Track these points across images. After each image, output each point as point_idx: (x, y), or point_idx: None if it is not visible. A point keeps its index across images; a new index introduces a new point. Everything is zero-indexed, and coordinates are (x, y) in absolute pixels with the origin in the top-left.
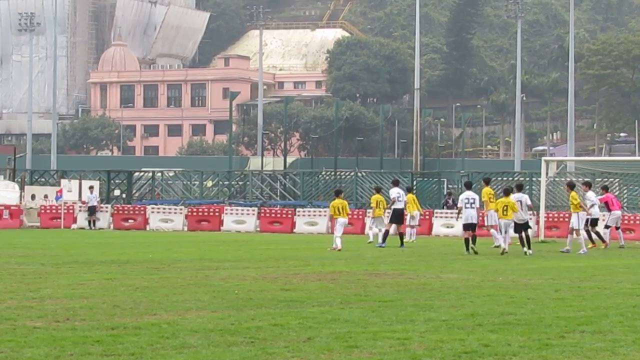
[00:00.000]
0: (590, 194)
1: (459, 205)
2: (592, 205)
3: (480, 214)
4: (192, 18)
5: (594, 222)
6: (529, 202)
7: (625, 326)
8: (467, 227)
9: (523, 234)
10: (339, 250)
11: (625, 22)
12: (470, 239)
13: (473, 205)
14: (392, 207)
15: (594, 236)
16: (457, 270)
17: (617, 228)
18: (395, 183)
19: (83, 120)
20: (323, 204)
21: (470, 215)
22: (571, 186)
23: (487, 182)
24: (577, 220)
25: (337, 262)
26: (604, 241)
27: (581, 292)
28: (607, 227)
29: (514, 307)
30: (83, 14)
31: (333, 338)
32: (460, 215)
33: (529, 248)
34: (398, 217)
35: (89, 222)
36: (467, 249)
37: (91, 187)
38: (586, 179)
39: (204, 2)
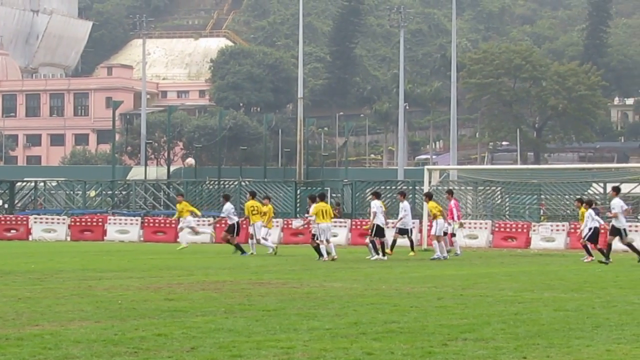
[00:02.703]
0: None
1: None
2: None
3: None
4: (75, 27)
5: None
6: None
7: (507, 333)
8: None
9: None
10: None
11: (506, 31)
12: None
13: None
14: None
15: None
16: (341, 279)
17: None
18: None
19: None
20: (207, 213)
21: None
22: (429, 196)
23: (430, 197)
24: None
25: (221, 272)
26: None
27: (464, 299)
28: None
29: (397, 315)
30: None
31: (217, 347)
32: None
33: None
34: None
35: None
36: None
37: None
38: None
39: (87, 11)
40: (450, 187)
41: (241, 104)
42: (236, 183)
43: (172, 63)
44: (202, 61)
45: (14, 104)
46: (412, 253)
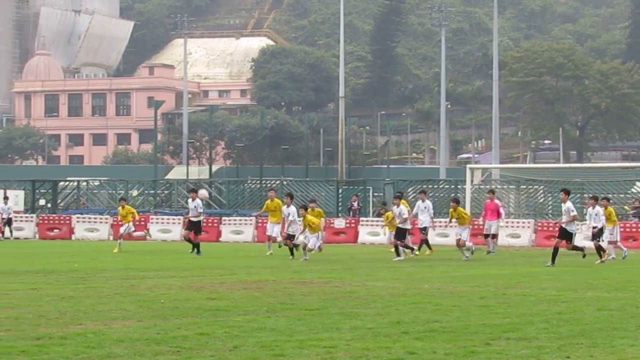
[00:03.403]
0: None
1: (414, 211)
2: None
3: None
4: (116, 27)
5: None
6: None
7: (550, 333)
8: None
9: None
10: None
11: (548, 30)
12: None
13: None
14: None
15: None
16: (383, 278)
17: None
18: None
19: (7, 130)
20: (248, 212)
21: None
22: (457, 202)
23: (458, 202)
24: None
25: (263, 271)
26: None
27: (506, 299)
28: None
29: (440, 314)
30: (6, 23)
31: (259, 347)
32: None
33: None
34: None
35: (10, 232)
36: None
37: (6, 198)
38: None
39: (128, 11)
40: (493, 187)
41: (282, 103)
42: (278, 182)
43: (214, 62)
44: (243, 60)
45: (57, 104)
46: (427, 252)
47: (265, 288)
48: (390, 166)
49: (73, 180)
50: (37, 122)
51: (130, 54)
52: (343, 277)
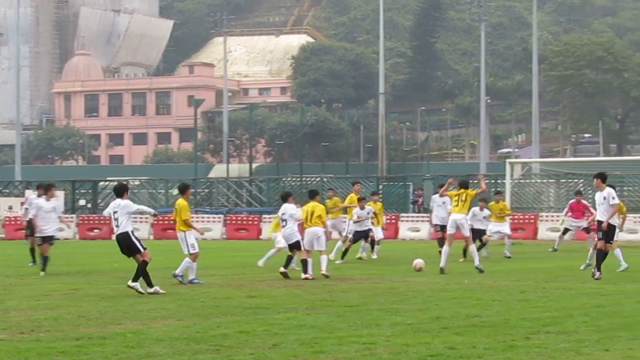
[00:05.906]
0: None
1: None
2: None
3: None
4: (156, 26)
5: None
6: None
7: (590, 326)
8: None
9: None
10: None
11: (588, 23)
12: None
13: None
14: None
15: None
16: (423, 274)
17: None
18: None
19: (47, 131)
20: None
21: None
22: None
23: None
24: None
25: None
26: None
27: (546, 293)
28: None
29: (480, 309)
30: (46, 24)
31: (299, 344)
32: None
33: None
34: None
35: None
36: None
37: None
38: None
39: (168, 10)
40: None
41: (323, 100)
42: (318, 179)
43: (254, 60)
44: (283, 58)
45: (97, 104)
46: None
47: (306, 285)
48: (431, 162)
49: (113, 180)
50: (77, 122)
51: (170, 52)
52: (383, 273)
